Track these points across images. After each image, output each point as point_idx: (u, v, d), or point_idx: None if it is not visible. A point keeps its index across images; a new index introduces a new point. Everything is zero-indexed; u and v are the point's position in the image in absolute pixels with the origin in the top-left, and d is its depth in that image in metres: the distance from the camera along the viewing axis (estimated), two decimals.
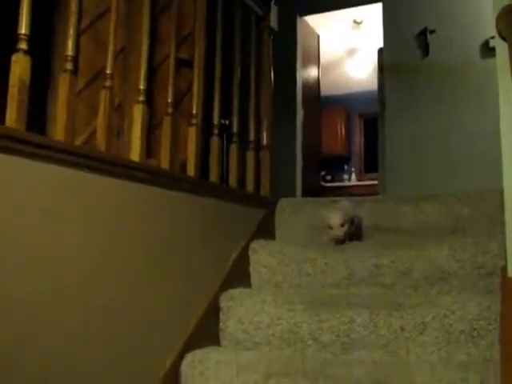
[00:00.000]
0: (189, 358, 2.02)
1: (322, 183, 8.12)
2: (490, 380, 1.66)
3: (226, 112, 2.74)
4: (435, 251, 2.25)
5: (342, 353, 2.03)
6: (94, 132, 1.93)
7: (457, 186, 3.16)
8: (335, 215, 2.47)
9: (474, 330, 1.93)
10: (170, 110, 2.18)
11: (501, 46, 1.93)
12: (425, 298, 2.08)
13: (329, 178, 9.11)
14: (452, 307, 1.97)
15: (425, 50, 4.95)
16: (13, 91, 1.52)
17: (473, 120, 4.58)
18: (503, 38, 1.89)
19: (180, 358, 2.01)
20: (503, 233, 1.94)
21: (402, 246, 2.33)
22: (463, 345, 1.93)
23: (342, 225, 2.46)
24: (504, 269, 1.96)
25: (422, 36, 4.95)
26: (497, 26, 1.92)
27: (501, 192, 1.94)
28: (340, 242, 2.49)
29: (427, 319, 1.97)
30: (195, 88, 2.37)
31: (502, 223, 1.96)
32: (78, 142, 2.40)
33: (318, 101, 6.50)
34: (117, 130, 2.61)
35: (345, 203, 2.63)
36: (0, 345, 1.37)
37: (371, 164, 8.38)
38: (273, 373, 1.87)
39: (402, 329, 1.99)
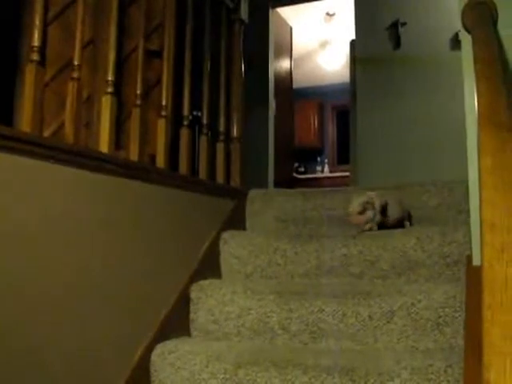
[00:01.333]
0: (159, 348, 2.03)
1: (295, 175, 8.15)
2: (455, 366, 1.69)
3: (197, 104, 2.74)
4: (403, 241, 2.28)
5: (311, 342, 2.06)
6: (63, 124, 1.92)
7: (427, 177, 3.19)
8: (355, 202, 2.41)
9: (440, 317, 1.96)
10: (138, 102, 2.18)
11: (466, 39, 1.97)
12: (392, 287, 2.11)
13: (302, 169, 9.14)
14: (419, 296, 2.00)
15: (396, 42, 4.99)
16: None
17: (443, 111, 4.63)
18: (468, 32, 1.93)
19: (150, 348, 2.02)
20: (469, 223, 1.98)
21: (370, 236, 2.36)
22: (430, 332, 1.96)
23: (361, 212, 2.40)
24: (469, 257, 2.00)
25: (394, 28, 4.99)
26: (462, 20, 1.95)
27: (467, 183, 1.98)
28: (366, 229, 2.44)
29: (394, 308, 2.00)
30: (164, 79, 2.36)
31: (468, 213, 2.00)
32: (47, 133, 2.38)
33: (290, 93, 6.52)
34: (86, 122, 2.59)
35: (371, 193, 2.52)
36: None
37: (344, 156, 8.44)
38: (242, 362, 1.88)
39: (370, 318, 2.02)
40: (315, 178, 8.69)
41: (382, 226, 2.46)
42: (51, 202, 1.66)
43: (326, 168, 9.18)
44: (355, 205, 2.40)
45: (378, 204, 2.41)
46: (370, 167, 4.85)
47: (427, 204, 2.58)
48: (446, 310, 1.96)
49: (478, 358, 1.57)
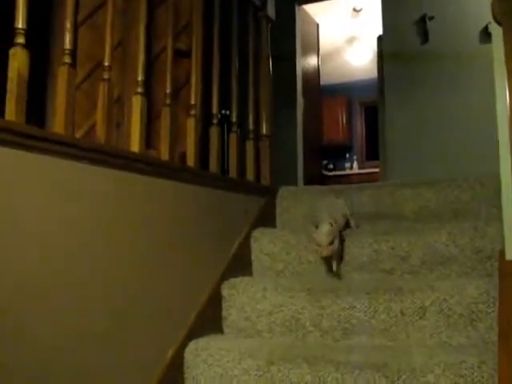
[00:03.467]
0: (192, 345, 2.04)
1: (324, 172, 8.13)
2: (489, 362, 1.68)
3: (226, 102, 2.75)
4: (434, 236, 2.27)
5: (343, 338, 2.06)
6: (94, 125, 1.95)
7: (458, 172, 3.16)
8: (322, 233, 2.25)
9: (473, 313, 1.95)
10: (168, 101, 2.20)
11: (496, 31, 1.95)
12: (424, 282, 2.10)
13: (331, 166, 9.11)
14: (451, 291, 1.99)
15: (424, 36, 4.94)
16: (11, 85, 1.53)
17: (473, 106, 4.57)
18: (498, 23, 1.91)
19: (183, 345, 2.04)
20: (501, 217, 1.96)
21: (402, 232, 2.35)
22: (462, 328, 1.95)
23: (331, 243, 2.26)
24: (502, 252, 1.98)
25: (421, 22, 4.94)
26: (492, 11, 1.93)
27: (499, 177, 1.96)
28: (326, 257, 2.32)
29: (427, 303, 1.99)
30: (193, 78, 2.38)
31: (500, 208, 1.98)
32: (79, 134, 2.42)
33: (318, 89, 6.50)
34: (116, 123, 2.62)
35: (333, 205, 2.49)
36: None
37: (373, 152, 8.39)
38: (275, 359, 1.89)
39: (402, 313, 2.01)
40: (344, 175, 8.66)
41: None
42: (85, 202, 1.68)
43: (355, 164, 9.14)
44: (324, 238, 2.25)
45: (337, 225, 2.34)
46: (398, 163, 4.82)
47: (459, 199, 2.55)
48: (479, 305, 1.95)
49: (509, 355, 1.56)
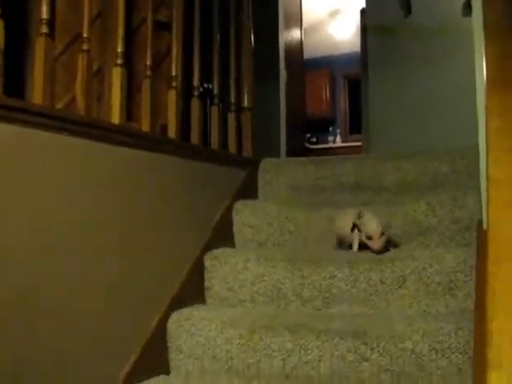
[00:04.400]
0: (175, 316, 2.06)
1: (307, 145, 8.13)
2: (465, 328, 1.72)
3: (208, 75, 2.74)
4: (414, 207, 2.30)
5: (324, 307, 2.09)
6: (75, 97, 1.94)
7: (441, 145, 3.19)
8: (372, 221, 2.09)
9: (452, 282, 1.98)
10: (148, 73, 2.19)
11: (477, 3, 1.95)
12: (404, 252, 2.13)
13: (314, 139, 9.13)
14: (430, 260, 2.02)
15: (407, 9, 4.93)
16: None
17: (456, 79, 4.58)
18: None
19: (166, 316, 2.05)
20: (479, 188, 2.00)
21: (382, 203, 2.38)
22: (441, 297, 1.99)
23: (383, 234, 2.11)
24: (479, 222, 2.02)
25: None
26: None
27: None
28: (380, 253, 2.13)
29: (406, 272, 2.02)
30: (174, 50, 2.37)
31: (479, 179, 2.00)
32: (59, 107, 2.40)
33: (301, 63, 6.48)
34: (97, 95, 2.61)
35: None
36: None
37: (356, 125, 8.40)
38: (257, 328, 1.92)
39: (382, 282, 2.04)
40: (327, 148, 8.67)
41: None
42: (65, 172, 1.68)
43: (338, 138, 9.16)
44: (375, 226, 2.08)
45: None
46: (381, 136, 4.84)
47: (438, 170, 2.58)
48: (458, 274, 1.98)
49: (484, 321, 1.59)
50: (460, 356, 1.69)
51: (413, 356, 1.72)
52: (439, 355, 1.70)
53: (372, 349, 1.76)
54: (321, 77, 9.02)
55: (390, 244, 2.17)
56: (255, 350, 1.89)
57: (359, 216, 2.11)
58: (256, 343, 1.89)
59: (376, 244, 2.11)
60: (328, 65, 9.10)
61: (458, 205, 2.24)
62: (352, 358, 1.77)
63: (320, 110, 9.02)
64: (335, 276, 2.08)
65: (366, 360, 1.76)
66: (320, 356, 1.81)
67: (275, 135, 5.39)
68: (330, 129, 9.32)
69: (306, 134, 7.99)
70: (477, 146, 1.97)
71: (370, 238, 2.11)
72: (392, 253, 2.14)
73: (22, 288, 1.51)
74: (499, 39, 1.33)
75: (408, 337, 1.74)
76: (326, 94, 9.10)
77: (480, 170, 1.93)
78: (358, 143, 7.29)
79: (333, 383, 1.79)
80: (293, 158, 3.16)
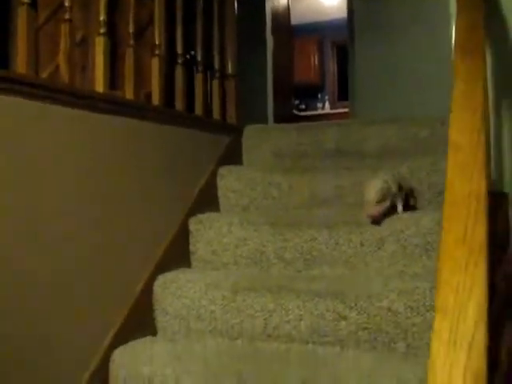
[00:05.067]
0: (160, 279, 2.13)
1: (296, 112, 8.15)
2: None
3: (191, 42, 2.76)
4: (394, 171, 2.35)
5: (305, 269, 2.16)
6: (58, 67, 1.98)
7: (424, 111, 3.22)
8: (371, 189, 2.07)
9: (428, 243, 2.05)
10: (131, 42, 2.21)
11: None
12: None
13: (302, 106, 9.14)
14: (408, 223, 2.08)
15: None
16: None
17: (446, 42, 4.58)
18: None
19: (152, 279, 2.12)
20: None
21: (364, 168, 2.43)
22: (418, 258, 2.05)
23: (379, 202, 2.06)
24: None
25: None
26: None
27: None
28: (375, 222, 2.10)
29: (385, 234, 2.09)
30: (157, 18, 2.39)
31: None
32: (44, 76, 2.42)
33: (288, 29, 6.46)
34: (82, 66, 2.63)
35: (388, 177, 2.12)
36: None
37: (345, 92, 8.40)
38: (240, 289, 1.98)
39: (362, 244, 2.10)
40: (316, 115, 8.70)
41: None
42: (50, 141, 1.72)
43: (327, 105, 9.17)
44: (372, 193, 2.05)
45: (395, 188, 2.09)
46: (367, 102, 4.86)
47: (419, 136, 2.62)
48: (434, 236, 2.04)
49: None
50: (434, 313, 1.75)
51: (389, 314, 1.79)
52: (414, 313, 1.77)
53: (350, 308, 1.82)
54: (309, 43, 9.01)
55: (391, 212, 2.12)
56: (238, 311, 1.96)
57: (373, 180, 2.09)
58: (239, 304, 1.96)
59: (368, 210, 2.08)
60: (316, 31, 9.07)
61: (434, 170, 2.30)
62: (331, 317, 1.84)
63: (309, 77, 9.02)
64: (316, 239, 2.14)
65: (345, 318, 1.83)
66: (300, 315, 1.88)
67: (262, 102, 5.40)
68: (319, 95, 9.33)
69: (294, 100, 8.00)
70: None
71: (367, 203, 2.09)
72: None
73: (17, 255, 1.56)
74: (468, 11, 1.38)
75: (385, 296, 1.81)
76: (315, 60, 9.09)
77: None
78: (347, 109, 7.31)
79: (313, 341, 1.87)
80: (276, 125, 3.21)
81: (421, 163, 2.34)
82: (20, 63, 1.71)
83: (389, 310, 1.80)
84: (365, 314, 1.81)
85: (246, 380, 1.68)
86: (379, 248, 2.09)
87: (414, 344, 1.78)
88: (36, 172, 1.66)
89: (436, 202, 2.26)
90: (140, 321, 2.04)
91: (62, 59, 1.89)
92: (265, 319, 1.92)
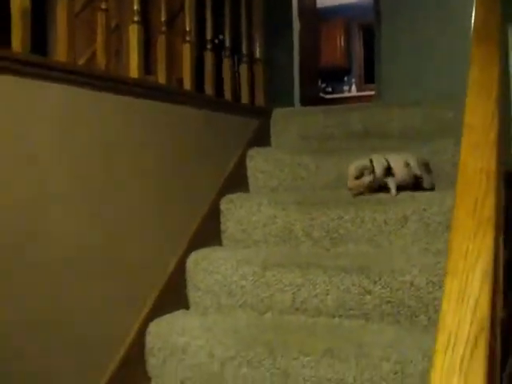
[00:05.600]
0: (193, 256, 2.23)
1: (322, 95, 8.19)
2: None
3: (220, 27, 2.84)
4: (418, 153, 2.41)
5: (332, 247, 2.24)
6: (95, 52, 2.08)
7: (452, 93, 3.25)
8: (352, 166, 2.30)
9: (450, 221, 2.11)
10: (163, 29, 2.30)
11: None
12: (406, 195, 2.26)
13: (329, 89, 9.17)
14: (430, 202, 2.15)
15: None
16: (15, 17, 1.64)
17: (470, 26, 4.58)
18: None
19: (185, 256, 2.22)
20: None
21: (389, 149, 2.49)
22: (440, 235, 2.12)
23: (358, 177, 2.29)
24: None
25: None
26: None
27: None
28: (355, 194, 2.32)
29: (408, 213, 2.16)
30: (187, 5, 2.47)
31: None
32: (81, 62, 2.53)
33: (314, 12, 6.50)
34: (115, 50, 2.72)
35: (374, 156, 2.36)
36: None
37: (371, 74, 8.41)
38: (269, 265, 2.08)
39: (386, 223, 2.18)
40: (343, 98, 8.73)
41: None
42: (90, 125, 1.83)
43: (354, 87, 9.19)
44: (351, 168, 2.32)
45: (379, 167, 2.31)
46: (393, 85, 4.89)
47: (441, 117, 2.68)
48: None
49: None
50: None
51: (412, 288, 1.87)
52: (436, 287, 1.85)
53: (374, 282, 1.91)
54: (336, 26, 9.01)
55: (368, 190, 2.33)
56: (268, 286, 2.06)
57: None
58: (269, 279, 2.06)
59: (349, 183, 2.31)
60: (343, 14, 9.06)
61: (458, 150, 2.35)
62: (356, 291, 1.93)
63: (335, 60, 9.04)
64: (342, 217, 2.22)
65: (369, 293, 1.92)
66: (327, 290, 1.97)
67: (289, 85, 5.46)
68: (346, 78, 9.35)
69: (321, 83, 8.04)
70: None
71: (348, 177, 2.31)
72: (398, 195, 2.27)
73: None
74: None
75: (407, 271, 1.89)
76: (341, 43, 9.09)
77: None
78: (373, 92, 7.33)
79: (339, 315, 1.96)
80: (304, 108, 3.29)
81: (445, 144, 2.40)
82: (61, 51, 1.80)
83: (411, 284, 1.88)
84: (388, 289, 1.90)
85: (275, 349, 1.78)
86: (402, 226, 2.17)
87: (436, 317, 1.85)
88: (77, 154, 1.76)
89: None
90: (174, 296, 2.15)
91: (99, 47, 1.98)
92: (293, 293, 2.02)
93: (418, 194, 2.21)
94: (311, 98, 5.99)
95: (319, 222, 2.26)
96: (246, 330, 1.93)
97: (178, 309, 2.15)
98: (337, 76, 9.26)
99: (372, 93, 7.71)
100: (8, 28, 1.64)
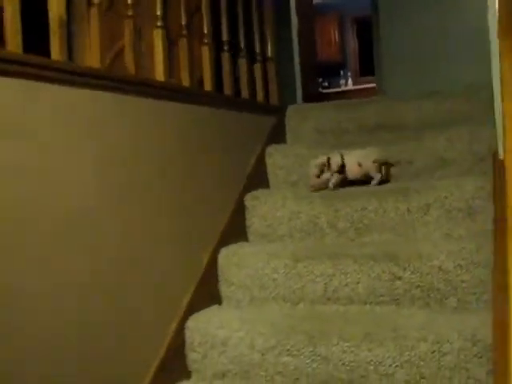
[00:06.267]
0: (223, 252, 2.30)
1: (320, 90, 8.25)
2: (485, 246, 1.94)
3: (233, 29, 2.90)
4: (434, 142, 2.50)
5: (357, 237, 2.31)
6: (116, 55, 2.15)
7: (455, 84, 3.31)
8: (312, 164, 2.52)
9: (471, 207, 2.19)
10: (184, 32, 2.37)
11: None
12: (427, 183, 2.33)
13: (326, 84, 9.24)
14: (451, 189, 2.23)
15: None
16: (54, 26, 1.70)
17: (468, 17, 4.63)
18: None
19: (216, 252, 2.29)
20: (495, 122, 2.19)
21: (404, 140, 2.57)
22: (461, 221, 2.20)
23: (318, 176, 2.50)
24: (495, 153, 2.22)
25: None
26: None
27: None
28: (316, 190, 2.52)
29: (430, 201, 2.23)
30: (204, 8, 2.53)
31: (493, 115, 2.20)
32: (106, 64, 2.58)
33: (311, 7, 6.55)
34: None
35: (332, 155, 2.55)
36: None
37: (367, 67, 8.50)
38: (299, 257, 2.15)
39: (409, 211, 2.26)
40: (340, 92, 8.79)
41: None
42: (127, 129, 1.89)
43: (350, 81, 9.26)
44: (312, 167, 2.51)
45: (334, 165, 2.50)
46: (395, 77, 4.95)
47: (456, 108, 2.75)
48: (476, 200, 2.19)
49: (504, 238, 1.81)
50: (482, 270, 1.91)
51: (440, 272, 1.95)
52: (463, 270, 1.93)
53: (404, 269, 1.99)
54: (330, 21, 9.08)
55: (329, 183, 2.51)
56: (300, 277, 2.13)
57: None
58: (300, 271, 2.13)
59: (310, 181, 2.51)
60: (336, 8, 9.13)
61: (474, 138, 2.43)
62: (387, 278, 2.01)
63: (330, 54, 9.10)
64: (366, 208, 2.30)
65: (399, 279, 2.00)
66: (358, 278, 2.05)
67: (291, 82, 5.52)
68: (341, 72, 9.42)
69: (319, 78, 8.10)
70: (490, 83, 2.15)
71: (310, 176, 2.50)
72: (416, 184, 2.34)
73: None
74: None
75: (435, 256, 1.97)
76: (336, 37, 9.16)
77: (495, 104, 2.12)
78: (370, 85, 7.41)
79: (370, 301, 2.04)
80: (317, 104, 3.34)
81: (460, 133, 2.48)
82: (94, 58, 1.87)
83: (439, 268, 1.96)
84: (417, 274, 1.98)
85: (314, 336, 1.85)
86: (425, 214, 2.24)
87: (464, 299, 1.94)
88: (111, 154, 1.82)
89: (476, 169, 2.40)
90: (207, 291, 2.22)
91: (127, 53, 2.05)
92: (325, 284, 2.09)
93: (439, 183, 2.28)
94: (312, 94, 6.04)
95: (343, 213, 2.33)
96: (283, 321, 2.00)
97: (211, 304, 2.22)
98: (332, 70, 9.32)
99: (370, 86, 7.79)
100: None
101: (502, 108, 1.21)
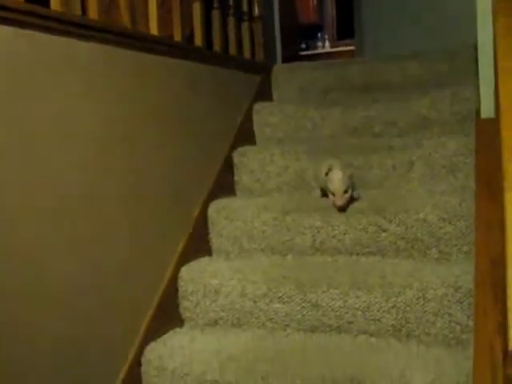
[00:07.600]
0: (213, 205, 2.37)
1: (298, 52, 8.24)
2: (467, 201, 2.03)
3: None
4: (418, 103, 2.57)
5: None
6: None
7: (438, 45, 3.35)
8: (336, 181, 2.15)
9: (454, 164, 2.28)
10: None
11: None
12: (411, 142, 2.41)
13: (303, 46, 9.24)
14: (434, 147, 2.31)
15: None
16: None
17: None
18: None
19: (206, 206, 2.35)
20: (476, 83, 2.27)
21: (389, 100, 2.64)
22: (445, 177, 2.29)
23: (346, 191, 2.16)
24: (477, 112, 2.30)
25: None
26: None
27: (475, 47, 2.24)
28: (342, 209, 2.18)
29: (414, 158, 2.32)
30: None
31: (476, 74, 2.27)
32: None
33: None
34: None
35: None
36: None
37: (344, 31, 8.52)
38: (288, 210, 2.22)
39: (394, 168, 2.34)
40: (318, 54, 8.80)
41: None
42: (118, 81, 1.92)
43: (327, 43, 9.27)
44: (338, 183, 2.14)
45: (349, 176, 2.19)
46: (374, 39, 4.98)
47: (439, 69, 2.82)
48: (458, 157, 2.28)
49: (486, 193, 1.90)
50: (463, 222, 2.00)
51: (424, 224, 2.04)
52: (446, 223, 2.02)
53: (390, 221, 2.07)
54: None
55: (353, 199, 2.22)
56: (288, 229, 2.21)
57: (328, 169, 2.20)
58: (289, 223, 2.21)
59: (338, 200, 2.15)
60: None
61: (456, 99, 2.51)
62: (373, 230, 2.09)
63: (308, 17, 9.08)
64: (351, 164, 2.37)
65: (385, 231, 2.08)
66: (345, 230, 2.13)
67: (271, 43, 5.54)
68: (319, 35, 9.42)
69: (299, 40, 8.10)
70: (473, 45, 2.22)
71: (333, 194, 2.17)
72: (402, 142, 2.42)
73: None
74: None
75: (421, 210, 2.06)
76: (313, 0, 9.13)
77: (479, 65, 2.19)
78: (348, 48, 7.46)
79: (357, 252, 2.13)
80: (303, 63, 3.38)
81: (442, 94, 2.55)
82: (91, 10, 1.88)
83: (424, 221, 2.04)
84: (403, 226, 2.06)
85: (304, 284, 1.94)
86: (409, 170, 2.33)
87: (446, 250, 2.03)
88: (105, 106, 1.86)
89: (459, 128, 2.48)
90: (198, 243, 2.28)
91: (123, 7, 2.07)
92: (313, 235, 2.17)
93: (423, 142, 2.35)
94: (291, 56, 6.06)
95: None
96: (273, 270, 2.08)
97: (202, 255, 2.29)
98: (310, 32, 9.31)
99: (345, 48, 7.84)
100: None
101: (496, 66, 1.27)
